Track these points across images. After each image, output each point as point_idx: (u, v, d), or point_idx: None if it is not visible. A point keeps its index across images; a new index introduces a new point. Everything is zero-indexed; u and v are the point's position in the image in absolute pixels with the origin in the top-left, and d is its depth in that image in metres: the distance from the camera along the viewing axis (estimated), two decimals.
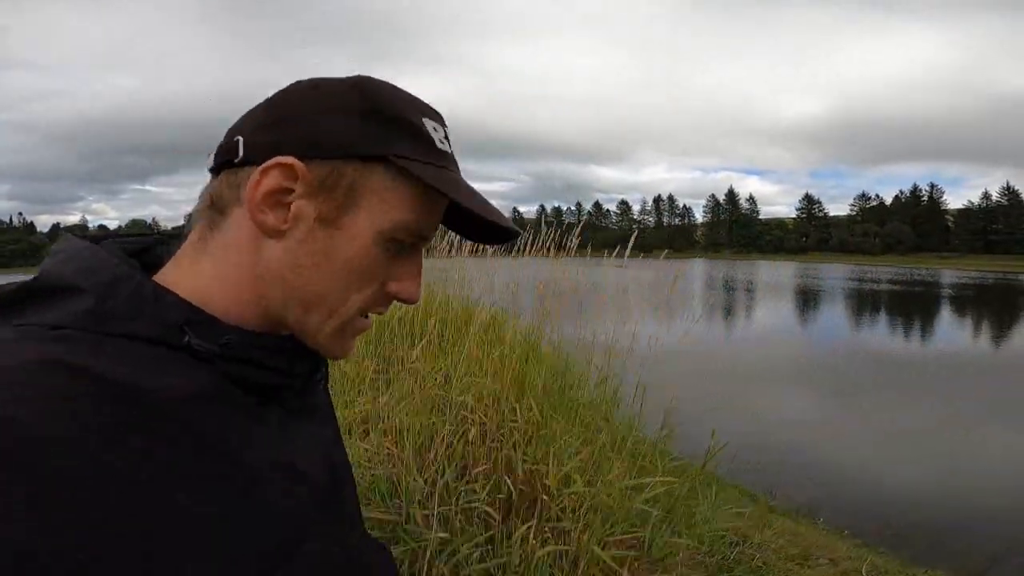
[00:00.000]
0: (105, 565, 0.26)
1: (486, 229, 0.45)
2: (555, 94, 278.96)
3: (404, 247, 0.41)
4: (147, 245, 0.43)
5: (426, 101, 0.43)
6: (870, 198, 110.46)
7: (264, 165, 0.37)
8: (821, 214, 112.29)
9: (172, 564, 0.29)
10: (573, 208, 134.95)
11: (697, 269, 43.53)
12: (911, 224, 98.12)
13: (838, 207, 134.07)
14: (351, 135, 0.38)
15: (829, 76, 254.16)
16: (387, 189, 0.39)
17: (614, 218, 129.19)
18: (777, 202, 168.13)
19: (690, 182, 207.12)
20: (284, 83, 0.41)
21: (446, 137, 0.43)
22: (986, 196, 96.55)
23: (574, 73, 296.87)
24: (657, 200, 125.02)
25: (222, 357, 0.36)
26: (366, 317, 0.43)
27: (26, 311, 0.34)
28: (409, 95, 0.42)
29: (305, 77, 0.40)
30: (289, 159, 0.37)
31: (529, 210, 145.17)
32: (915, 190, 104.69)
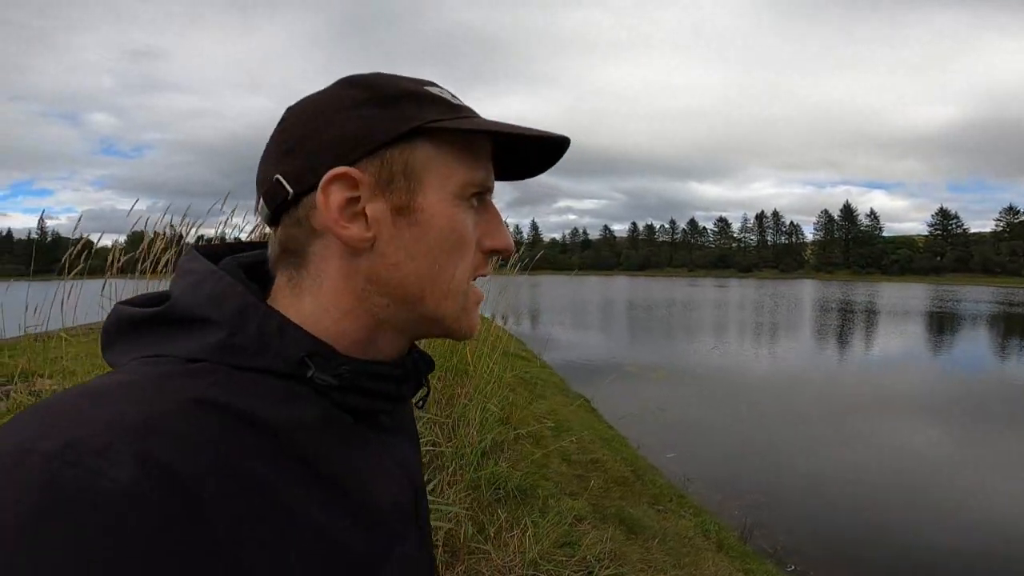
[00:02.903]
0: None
1: (536, 154, 0.51)
2: (653, 110, 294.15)
3: (477, 203, 0.47)
4: (261, 258, 0.48)
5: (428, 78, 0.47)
6: (1019, 212, 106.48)
7: (321, 184, 0.41)
8: (960, 230, 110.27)
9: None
10: (667, 226, 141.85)
11: (806, 291, 49.73)
12: None
13: (981, 223, 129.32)
14: (377, 123, 0.42)
15: (966, 81, 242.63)
16: (436, 157, 0.44)
17: (711, 236, 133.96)
18: (907, 218, 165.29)
19: (800, 198, 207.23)
20: None
21: (453, 95, 0.47)
22: None
23: (673, 88, 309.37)
24: (760, 217, 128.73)
25: (337, 388, 0.42)
26: (475, 287, 0.48)
27: (163, 339, 0.40)
28: (396, 75, 0.46)
29: None
30: (341, 169, 0.42)
31: (621, 228, 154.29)
32: None
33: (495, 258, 0.50)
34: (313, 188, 0.42)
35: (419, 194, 0.43)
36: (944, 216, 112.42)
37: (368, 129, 0.42)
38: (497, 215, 0.49)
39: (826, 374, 11.41)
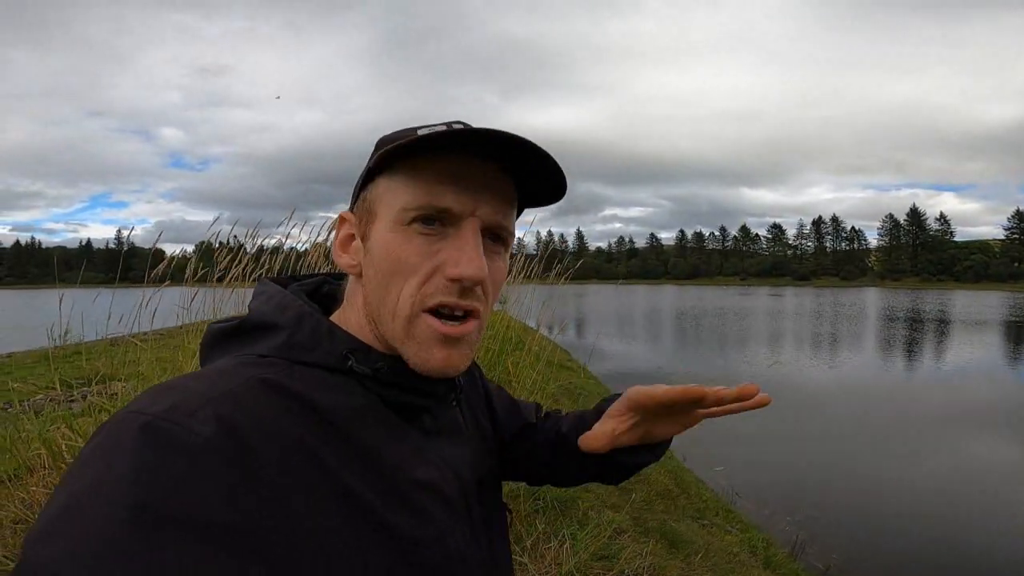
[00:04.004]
0: (278, 531, 0.38)
1: (543, 179, 0.51)
2: (699, 115, 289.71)
3: (435, 228, 0.48)
4: (318, 284, 0.62)
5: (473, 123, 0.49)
6: None
7: (333, 222, 1.24)
8: None
9: (326, 532, 0.41)
10: (716, 233, 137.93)
11: (870, 299, 47.20)
12: None
13: None
14: (363, 172, 0.53)
15: None
16: (388, 189, 0.50)
17: (764, 243, 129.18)
18: (980, 221, 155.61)
19: (861, 202, 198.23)
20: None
21: (454, 123, 0.50)
22: None
23: (721, 92, 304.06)
24: (817, 222, 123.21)
25: (376, 380, 0.50)
26: (441, 318, 0.49)
27: (244, 343, 0.51)
28: (413, 127, 0.52)
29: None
30: (344, 212, 0.56)
31: (668, 236, 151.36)
32: None
33: (461, 286, 0.49)
34: None
35: (373, 224, 0.52)
36: (1021, 219, 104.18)
37: (360, 177, 0.54)
38: (467, 240, 0.48)
39: (889, 386, 10.81)
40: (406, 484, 0.49)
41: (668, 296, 52.04)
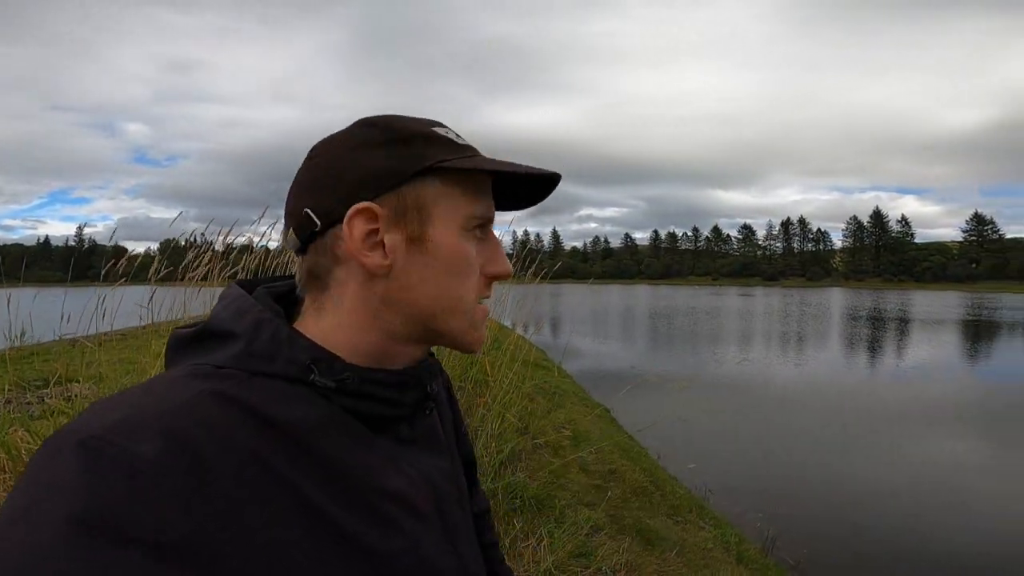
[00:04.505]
0: (234, 544, 0.37)
1: (529, 188, 0.58)
2: (676, 117, 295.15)
3: (480, 233, 0.53)
4: (292, 287, 0.56)
5: (432, 117, 0.54)
6: None
7: (346, 217, 0.48)
8: (996, 236, 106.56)
9: (285, 551, 0.40)
10: (689, 233, 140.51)
11: (834, 299, 48.42)
12: None
13: (1017, 228, 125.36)
14: (395, 162, 0.49)
15: (999, 84, 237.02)
16: (443, 193, 0.50)
17: (735, 244, 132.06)
18: (939, 224, 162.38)
19: (827, 204, 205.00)
20: (414, 112, 0.53)
21: (458, 135, 0.54)
22: None
23: (697, 95, 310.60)
24: (786, 224, 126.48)
25: (340, 391, 0.47)
26: (480, 304, 0.55)
27: (200, 351, 0.48)
28: (409, 117, 0.53)
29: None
30: (363, 204, 0.48)
31: (642, 236, 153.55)
32: None
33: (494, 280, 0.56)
34: (339, 221, 0.49)
35: (429, 226, 0.50)
36: (979, 221, 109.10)
37: (387, 168, 0.49)
38: (498, 243, 0.56)
39: (855, 384, 11.15)
40: (373, 495, 0.47)
41: (642, 296, 52.73)
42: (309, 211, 0.49)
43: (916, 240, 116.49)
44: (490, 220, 0.54)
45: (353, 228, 0.49)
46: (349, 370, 0.48)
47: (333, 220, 0.49)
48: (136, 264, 2.99)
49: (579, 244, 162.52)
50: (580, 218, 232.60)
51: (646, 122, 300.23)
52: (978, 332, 21.54)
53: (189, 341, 0.50)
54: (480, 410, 3.38)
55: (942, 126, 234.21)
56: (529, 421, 4.07)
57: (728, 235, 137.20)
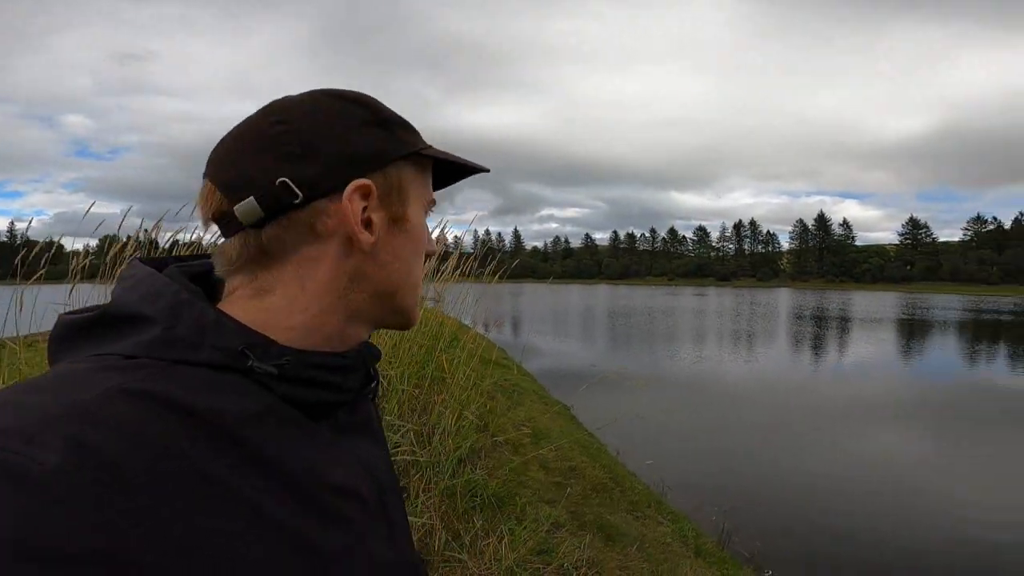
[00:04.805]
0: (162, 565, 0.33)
1: (451, 176, 0.60)
2: (636, 120, 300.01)
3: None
4: (210, 267, 0.50)
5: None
6: (986, 222, 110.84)
7: (347, 192, 0.46)
8: (929, 239, 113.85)
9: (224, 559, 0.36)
10: (647, 235, 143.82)
11: (782, 299, 50.81)
12: None
13: (950, 232, 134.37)
14: (387, 144, 0.49)
15: (938, 93, 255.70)
16: (415, 177, 0.52)
17: (691, 245, 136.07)
18: (879, 227, 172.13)
19: (776, 207, 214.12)
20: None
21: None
22: None
23: (657, 98, 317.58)
24: (738, 226, 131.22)
25: (280, 378, 0.43)
26: None
27: (103, 340, 0.42)
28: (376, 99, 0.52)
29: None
30: (365, 181, 0.47)
31: (602, 237, 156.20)
32: None
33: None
34: (325, 195, 0.46)
35: (408, 206, 0.51)
36: (914, 226, 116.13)
37: (378, 148, 0.49)
38: (427, 225, 0.58)
39: (801, 381, 11.71)
40: (317, 488, 0.44)
41: (601, 295, 53.61)
42: (288, 181, 0.45)
43: (857, 243, 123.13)
44: (435, 203, 0.58)
45: (353, 203, 0.46)
46: (289, 354, 0.44)
47: (319, 193, 0.46)
48: (62, 259, 2.76)
49: (540, 244, 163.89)
50: (541, 218, 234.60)
51: (608, 124, 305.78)
52: (912, 331, 22.95)
53: (85, 328, 0.43)
54: (438, 407, 3.32)
55: (884, 133, 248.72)
56: (489, 419, 4.03)
57: (684, 236, 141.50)
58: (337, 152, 0.46)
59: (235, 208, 0.45)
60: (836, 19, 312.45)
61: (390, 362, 3.29)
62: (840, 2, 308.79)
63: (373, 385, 0.55)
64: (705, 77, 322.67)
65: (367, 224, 0.48)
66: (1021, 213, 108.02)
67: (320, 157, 0.46)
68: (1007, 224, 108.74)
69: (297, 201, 0.45)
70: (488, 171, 0.61)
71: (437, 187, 0.59)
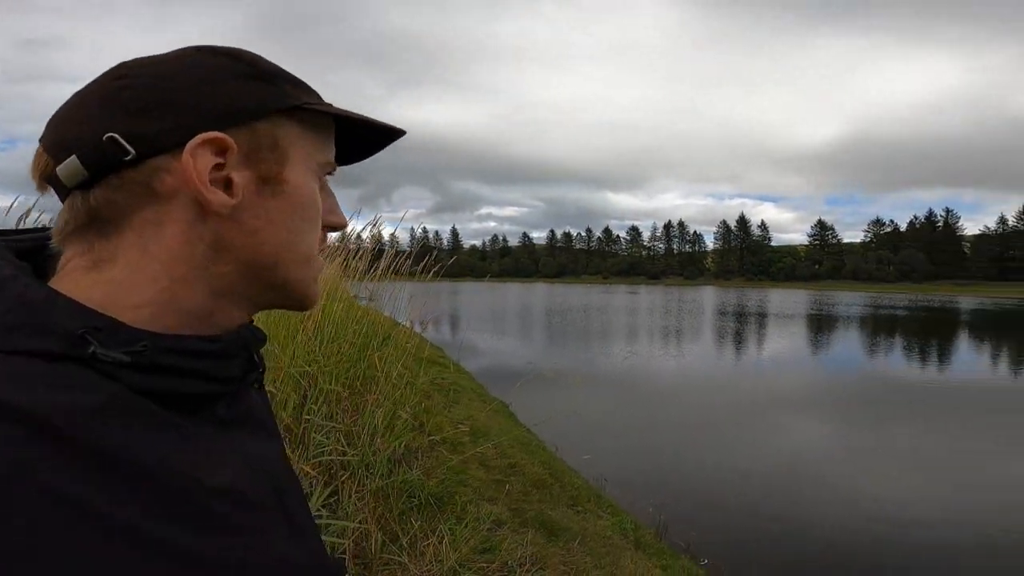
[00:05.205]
0: None
1: (365, 144, 0.53)
2: (574, 121, 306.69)
3: (323, 182, 0.49)
4: (41, 243, 0.43)
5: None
6: (884, 224, 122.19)
7: (193, 145, 0.39)
8: (835, 241, 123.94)
9: None
10: (583, 234, 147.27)
11: (707, 297, 53.57)
12: (926, 251, 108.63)
13: (853, 234, 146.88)
14: (252, 97, 0.42)
15: (849, 103, 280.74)
16: (301, 135, 0.45)
17: (624, 244, 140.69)
18: (793, 229, 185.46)
19: (703, 209, 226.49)
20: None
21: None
22: (1002, 221, 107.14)
23: (595, 102, 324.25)
24: (667, 226, 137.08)
25: (134, 367, 0.36)
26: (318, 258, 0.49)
27: None
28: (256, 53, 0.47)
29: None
30: (214, 133, 0.40)
31: (540, 236, 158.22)
32: (930, 216, 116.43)
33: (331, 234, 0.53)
34: (165, 150, 0.39)
35: (287, 167, 0.44)
36: (822, 227, 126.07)
37: (244, 101, 0.42)
38: (333, 195, 0.52)
39: (725, 376, 12.32)
40: (190, 492, 0.37)
41: (539, 293, 54.35)
42: (117, 136, 0.38)
43: (772, 244, 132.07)
44: (334, 169, 0.51)
45: (198, 159, 0.39)
46: (145, 339, 0.37)
47: (156, 149, 0.39)
48: None
49: (478, 242, 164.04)
50: (480, 217, 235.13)
51: (548, 125, 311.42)
52: (820, 325, 24.70)
53: None
54: (370, 407, 3.19)
55: (800, 140, 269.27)
56: (425, 418, 3.93)
57: (618, 236, 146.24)
58: (193, 106, 0.41)
59: (57, 169, 0.39)
60: (769, 29, 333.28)
61: (316, 361, 3.13)
62: (775, 12, 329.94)
63: (259, 372, 0.49)
64: (643, 82, 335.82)
65: (226, 185, 0.41)
66: (915, 216, 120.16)
67: (170, 112, 0.40)
68: (903, 226, 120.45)
69: (128, 158, 0.38)
70: (404, 133, 0.53)
71: (354, 158, 0.55)
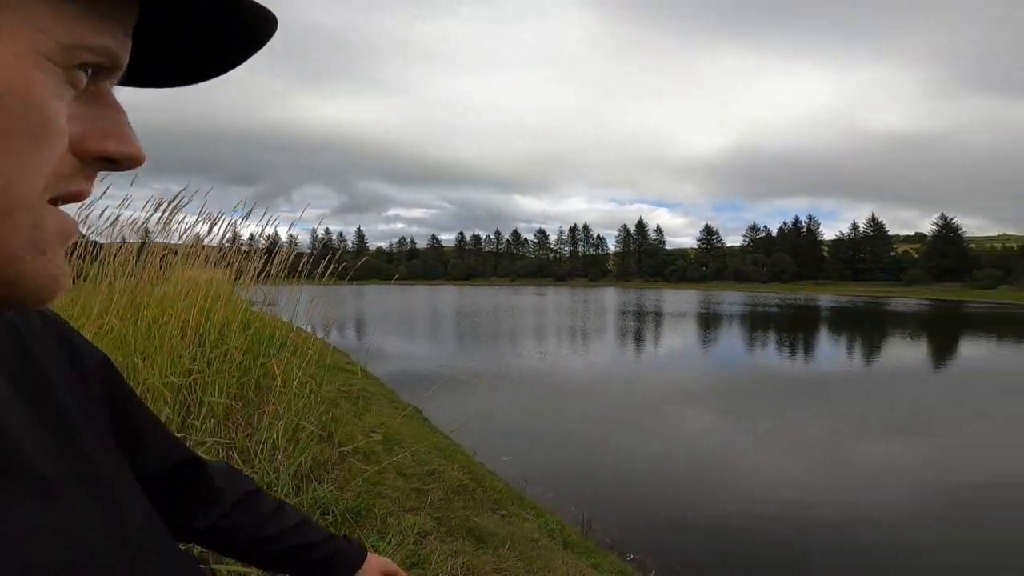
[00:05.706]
0: None
1: (207, 32, 0.31)
2: (485, 124, 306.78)
3: (86, 83, 0.28)
4: None
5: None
6: (759, 230, 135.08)
7: None
8: (719, 245, 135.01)
9: None
10: (492, 236, 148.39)
11: (609, 297, 55.83)
12: (792, 254, 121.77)
13: (735, 238, 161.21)
14: None
15: (738, 116, 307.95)
16: (25, 3, 0.25)
17: (532, 247, 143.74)
18: (683, 233, 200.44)
19: (606, 213, 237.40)
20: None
21: None
22: (854, 228, 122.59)
23: (506, 105, 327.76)
24: (573, 230, 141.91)
25: None
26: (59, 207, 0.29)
27: None
28: None
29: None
30: None
31: (449, 238, 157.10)
32: (796, 222, 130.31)
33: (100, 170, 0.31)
34: None
35: None
36: (708, 232, 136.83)
37: None
38: (120, 111, 0.31)
39: (628, 371, 12.89)
40: None
41: (448, 295, 53.88)
42: None
43: (667, 247, 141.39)
44: (115, 67, 0.30)
45: None
46: None
47: None
48: None
49: (385, 244, 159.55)
50: (387, 218, 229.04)
51: (458, 127, 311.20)
52: (708, 323, 26.72)
53: None
54: (267, 419, 2.88)
55: (691, 149, 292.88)
56: (333, 428, 3.64)
57: (526, 239, 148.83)
58: None
59: None
60: (678, 40, 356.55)
61: (200, 370, 2.77)
62: (682, 24, 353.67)
63: None
64: (552, 88, 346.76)
65: None
66: (784, 223, 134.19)
67: None
68: (775, 232, 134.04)
69: None
70: (273, 17, 0.33)
71: (188, 69, 0.35)
